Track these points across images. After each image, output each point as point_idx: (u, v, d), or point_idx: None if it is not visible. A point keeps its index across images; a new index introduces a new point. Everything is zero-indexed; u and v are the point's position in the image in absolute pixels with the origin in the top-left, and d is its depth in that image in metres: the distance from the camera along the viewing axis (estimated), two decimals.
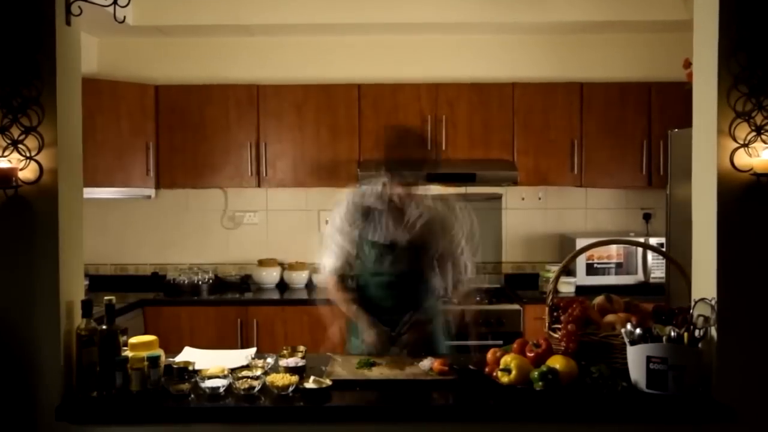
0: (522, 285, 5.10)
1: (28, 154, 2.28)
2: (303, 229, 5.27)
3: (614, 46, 5.16)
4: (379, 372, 2.57)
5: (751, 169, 2.28)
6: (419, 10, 4.76)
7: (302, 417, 2.30)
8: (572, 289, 4.76)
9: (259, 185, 4.95)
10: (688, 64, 4.01)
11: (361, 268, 3.14)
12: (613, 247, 4.86)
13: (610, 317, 2.55)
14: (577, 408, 2.25)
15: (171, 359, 2.59)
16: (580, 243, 4.68)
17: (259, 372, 2.45)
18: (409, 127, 2.96)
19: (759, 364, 2.31)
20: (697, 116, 2.45)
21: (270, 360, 2.64)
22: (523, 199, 5.29)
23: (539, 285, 5.01)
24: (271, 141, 4.91)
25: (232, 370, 2.48)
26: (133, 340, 2.48)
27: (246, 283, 5.11)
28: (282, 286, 5.12)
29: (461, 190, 5.25)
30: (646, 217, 5.23)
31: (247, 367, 2.57)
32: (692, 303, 2.35)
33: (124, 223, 5.28)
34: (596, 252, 4.83)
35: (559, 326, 2.47)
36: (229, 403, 2.30)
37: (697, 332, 2.27)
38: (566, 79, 5.01)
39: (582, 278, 4.83)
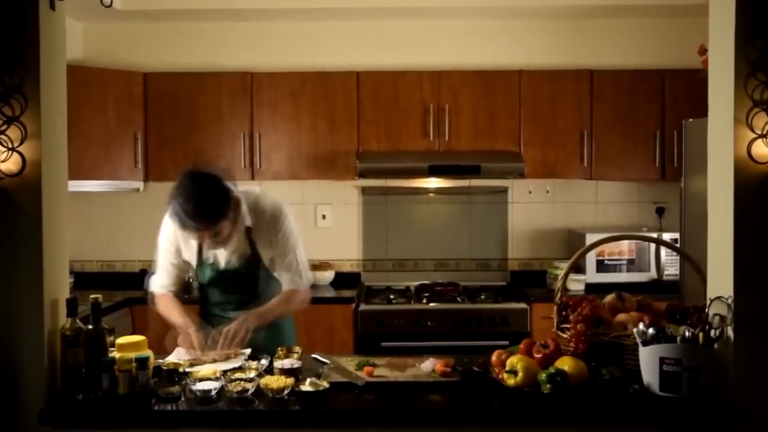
0: (529, 282, 5.10)
1: (10, 146, 2.27)
2: (299, 224, 5.26)
3: (626, 32, 5.15)
4: (379, 374, 2.57)
5: None
6: None
7: (298, 421, 2.30)
8: (582, 286, 4.76)
9: (252, 178, 4.94)
10: (703, 51, 4.00)
11: (201, 280, 3.17)
12: (625, 242, 4.85)
13: (621, 316, 2.55)
14: (586, 412, 2.25)
15: (160, 360, 2.59)
16: (590, 238, 4.68)
17: (252, 374, 2.46)
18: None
19: None
20: (712, 105, 2.44)
21: (264, 361, 2.64)
22: (530, 192, 5.28)
23: (547, 282, 5.01)
24: (266, 132, 4.90)
25: (225, 372, 2.48)
26: (121, 340, 2.48)
27: None
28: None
29: (465, 183, 5.25)
30: (660, 212, 5.23)
31: (240, 368, 2.58)
32: (708, 301, 2.35)
33: (111, 217, 5.28)
34: (607, 248, 4.83)
35: (568, 326, 2.47)
36: (221, 406, 2.30)
37: (712, 332, 2.27)
38: (575, 66, 5.00)
39: (592, 275, 4.83)
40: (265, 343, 2.95)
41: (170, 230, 3.10)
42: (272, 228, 3.10)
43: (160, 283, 3.18)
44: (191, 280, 3.30)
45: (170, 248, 3.14)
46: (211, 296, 3.20)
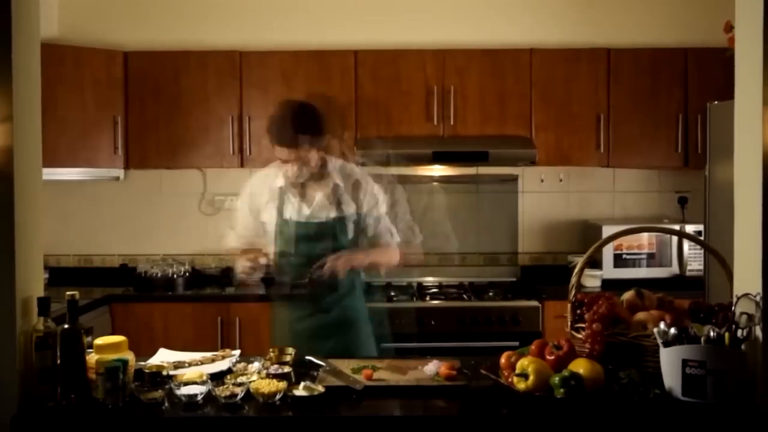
0: (541, 278, 5.11)
1: None
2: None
3: (646, 7, 5.14)
4: (378, 377, 2.57)
5: None
6: None
7: (291, 428, 2.30)
8: (598, 283, 4.76)
9: (241, 165, 4.95)
10: (729, 28, 3.99)
11: (281, 249, 3.42)
12: (645, 235, 4.86)
13: (640, 315, 2.55)
14: (603, 418, 2.25)
15: (142, 363, 2.59)
16: (607, 231, 4.69)
17: (242, 378, 2.46)
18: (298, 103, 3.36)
19: None
20: (739, 86, 2.43)
21: (255, 364, 2.64)
22: (542, 180, 5.28)
23: (561, 278, 5.01)
24: (256, 115, 4.89)
25: (212, 376, 2.48)
26: (99, 341, 2.48)
27: (227, 276, 5.09)
28: (268, 280, 5.11)
29: (472, 170, 5.25)
30: (682, 202, 5.23)
31: (229, 371, 2.58)
32: (734, 299, 2.34)
33: (89, 208, 5.28)
34: (625, 241, 4.83)
35: (583, 325, 2.47)
36: (208, 412, 2.30)
37: (739, 332, 2.26)
38: (591, 44, 4.99)
39: (609, 271, 4.84)
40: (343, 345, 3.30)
41: (250, 191, 3.49)
42: (358, 188, 3.42)
43: (235, 237, 3.56)
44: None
45: (246, 211, 3.47)
46: (288, 263, 3.41)
